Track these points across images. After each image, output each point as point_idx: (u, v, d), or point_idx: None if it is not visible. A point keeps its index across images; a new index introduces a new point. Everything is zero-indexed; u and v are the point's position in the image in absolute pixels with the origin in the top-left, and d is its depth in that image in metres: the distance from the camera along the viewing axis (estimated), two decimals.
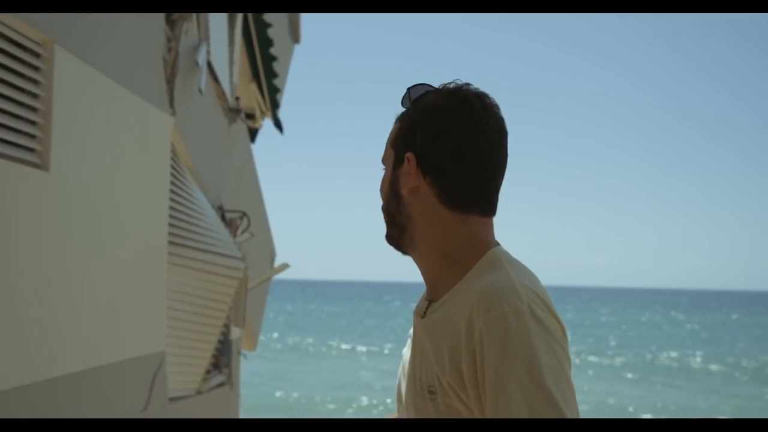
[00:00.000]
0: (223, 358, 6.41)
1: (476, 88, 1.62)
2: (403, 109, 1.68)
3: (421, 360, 1.61)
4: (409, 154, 1.60)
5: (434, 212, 1.59)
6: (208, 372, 5.99)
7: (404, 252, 1.67)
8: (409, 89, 1.66)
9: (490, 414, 1.43)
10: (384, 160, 1.70)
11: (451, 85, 1.63)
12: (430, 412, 1.55)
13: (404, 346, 1.81)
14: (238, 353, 7.33)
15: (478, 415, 1.48)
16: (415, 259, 1.66)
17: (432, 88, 1.65)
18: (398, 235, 1.65)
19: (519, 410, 1.39)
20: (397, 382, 1.78)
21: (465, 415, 1.51)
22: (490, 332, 1.44)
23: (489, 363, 1.44)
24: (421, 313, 1.64)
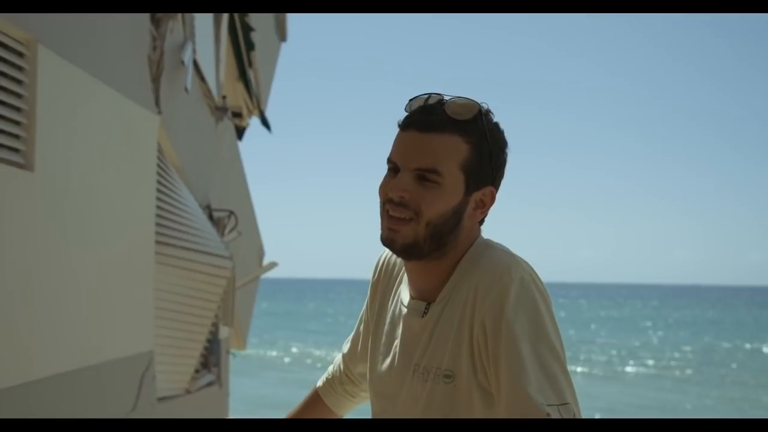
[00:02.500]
0: (211, 358, 6.41)
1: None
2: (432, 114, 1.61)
3: (428, 351, 1.63)
4: (490, 189, 1.64)
5: (473, 231, 1.67)
6: (197, 371, 5.98)
7: (418, 260, 1.64)
8: (481, 110, 1.61)
9: (504, 376, 1.50)
10: (436, 170, 1.58)
11: (487, 108, 1.63)
12: (444, 393, 1.59)
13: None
14: (227, 352, 7.32)
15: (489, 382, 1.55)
16: (427, 265, 1.64)
17: (481, 107, 1.61)
18: (433, 250, 1.61)
19: (532, 367, 1.48)
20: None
21: (482, 395, 1.57)
22: (499, 301, 1.52)
23: (500, 330, 1.51)
24: (420, 313, 1.66)
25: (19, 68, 3.13)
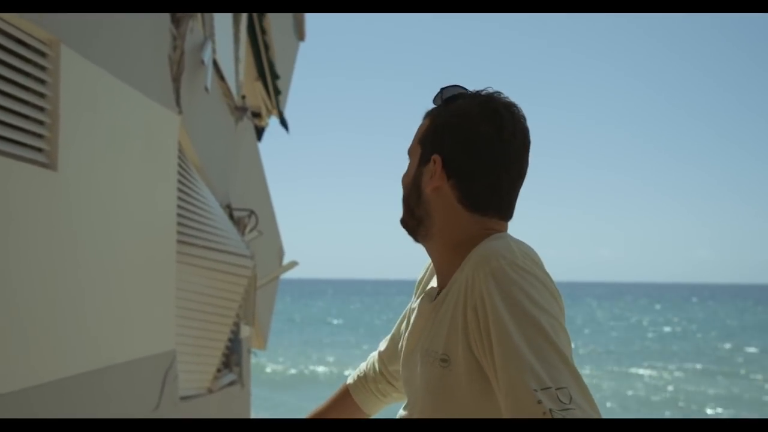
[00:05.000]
0: (233, 357, 6.41)
1: (506, 98, 1.69)
2: (433, 105, 1.74)
3: (430, 334, 1.66)
4: (435, 156, 1.68)
5: (453, 211, 1.67)
6: (218, 371, 5.99)
7: (416, 240, 1.75)
8: (442, 89, 1.73)
9: (498, 362, 1.46)
10: (410, 152, 1.76)
11: (483, 93, 1.69)
12: (440, 377, 1.60)
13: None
14: (249, 352, 7.32)
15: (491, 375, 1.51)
16: (427, 249, 1.75)
17: (465, 92, 1.72)
18: (415, 225, 1.73)
19: (522, 353, 1.42)
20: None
21: (478, 379, 1.54)
22: (488, 285, 1.50)
23: (491, 314, 1.48)
24: (432, 298, 1.71)
25: (42, 68, 3.14)
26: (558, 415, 1.35)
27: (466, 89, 1.72)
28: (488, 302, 1.48)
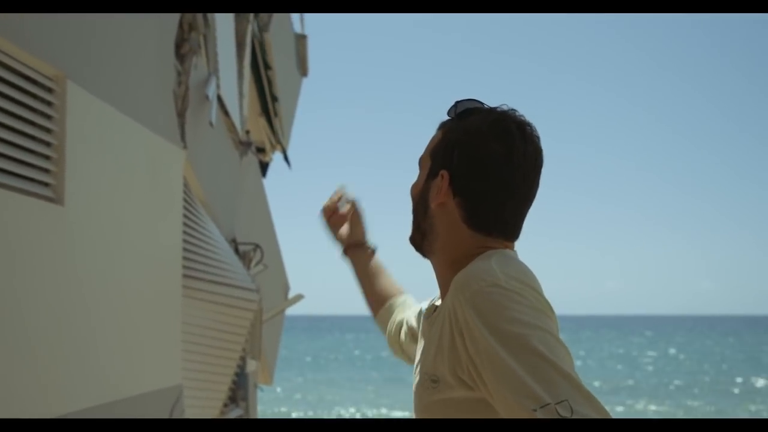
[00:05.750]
0: (239, 392, 6.38)
1: (521, 117, 1.66)
2: (447, 118, 1.74)
3: (424, 354, 1.65)
4: (444, 172, 1.66)
5: (456, 229, 1.66)
6: (225, 405, 5.96)
7: (423, 255, 1.75)
8: (457, 102, 1.72)
9: (492, 390, 1.42)
10: (420, 163, 1.76)
11: (498, 110, 1.67)
12: (433, 398, 1.58)
13: None
14: (255, 386, 7.29)
15: (489, 399, 1.47)
16: (432, 264, 1.74)
17: (479, 107, 1.70)
18: (420, 239, 1.74)
19: (515, 373, 1.37)
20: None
21: (464, 402, 1.52)
22: (470, 312, 1.45)
23: (477, 342, 1.43)
24: (429, 315, 1.71)
25: (49, 103, 3.16)
26: None
27: (482, 104, 1.71)
28: (473, 329, 1.44)
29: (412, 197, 1.75)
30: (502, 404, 1.40)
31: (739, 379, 38.77)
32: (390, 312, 2.12)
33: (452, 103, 1.73)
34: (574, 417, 1.30)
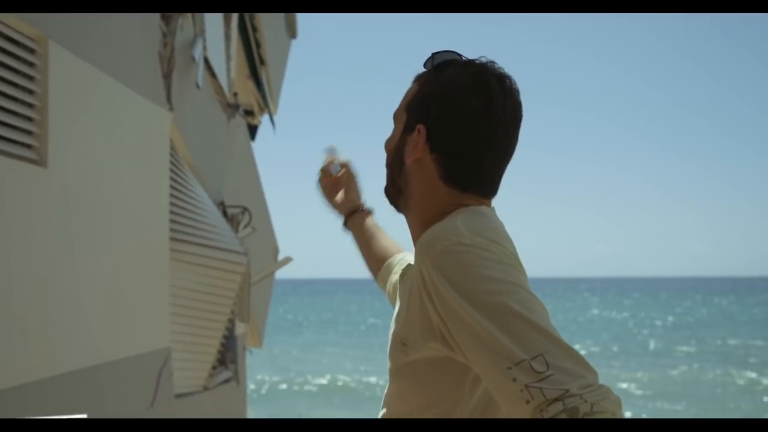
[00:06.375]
0: (228, 354, 6.40)
1: (500, 69, 1.60)
2: (424, 70, 1.67)
3: (397, 317, 1.62)
4: (420, 126, 1.60)
5: (433, 186, 1.60)
6: (214, 368, 5.98)
7: (398, 210, 1.70)
8: (434, 54, 1.65)
9: (466, 351, 1.39)
10: (395, 117, 1.69)
11: (476, 62, 1.61)
12: (402, 361, 1.55)
13: None
14: (244, 349, 7.32)
15: (461, 359, 1.45)
16: (407, 221, 1.68)
17: (457, 59, 1.63)
18: (395, 195, 1.68)
19: (487, 332, 1.33)
20: None
21: (433, 363, 1.50)
22: (435, 274, 1.41)
23: (446, 303, 1.40)
24: (403, 276, 1.68)
25: (31, 64, 3.13)
26: (536, 388, 1.27)
27: (460, 55, 1.64)
28: (441, 291, 1.40)
29: (387, 152, 1.69)
30: (477, 365, 1.38)
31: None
32: (388, 271, 2.06)
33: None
34: (550, 371, 1.27)
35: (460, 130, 1.56)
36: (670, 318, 55.66)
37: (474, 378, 1.49)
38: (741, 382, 25.29)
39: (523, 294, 1.37)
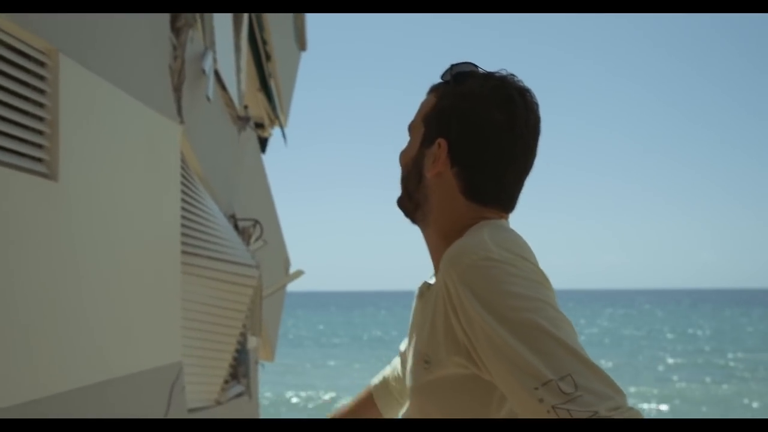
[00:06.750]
0: (240, 368, 6.36)
1: (521, 83, 1.58)
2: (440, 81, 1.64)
3: (418, 334, 1.57)
4: (441, 140, 1.57)
5: (453, 200, 1.58)
6: (226, 382, 5.94)
7: (413, 222, 1.66)
8: (452, 65, 1.62)
9: (493, 369, 1.36)
10: (411, 129, 1.66)
11: (497, 75, 1.58)
12: (425, 379, 1.51)
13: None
14: (256, 363, 7.28)
15: (486, 377, 1.41)
16: (423, 234, 1.65)
17: (476, 71, 1.61)
18: (412, 209, 1.65)
19: (514, 350, 1.30)
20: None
21: (456, 381, 1.46)
22: (463, 289, 1.38)
23: (471, 318, 1.37)
24: (422, 294, 1.63)
25: (41, 77, 3.11)
26: (563, 409, 1.23)
27: (478, 67, 1.62)
28: (467, 307, 1.37)
29: (403, 165, 1.65)
30: (503, 383, 1.35)
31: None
32: (385, 391, 1.96)
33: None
34: (578, 392, 1.24)
35: (482, 144, 1.54)
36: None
37: (500, 397, 1.44)
38: None
39: (551, 312, 1.34)
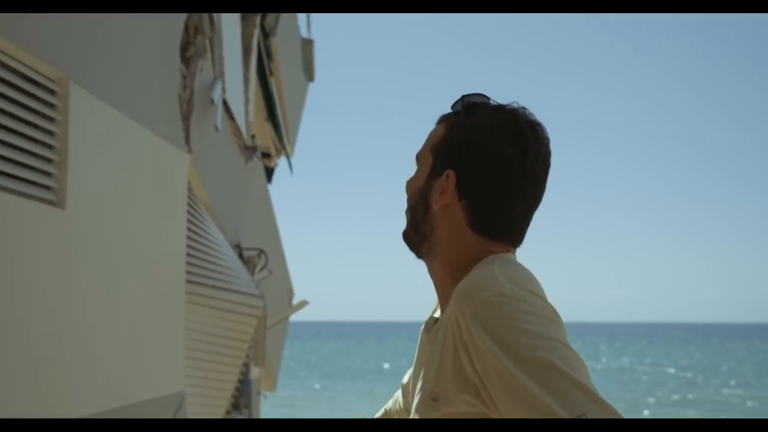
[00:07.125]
0: (243, 399, 6.33)
1: (532, 117, 1.56)
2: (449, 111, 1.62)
3: (426, 371, 1.54)
4: (449, 172, 1.54)
5: (460, 233, 1.54)
6: (228, 412, 5.91)
7: (418, 256, 1.62)
8: (464, 96, 1.60)
9: (504, 409, 1.33)
10: (419, 158, 1.63)
11: (508, 108, 1.56)
12: (430, 416, 1.48)
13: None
14: (258, 393, 7.24)
15: (495, 415, 1.38)
16: (428, 268, 1.61)
17: (487, 102, 1.59)
18: (418, 241, 1.60)
19: (527, 389, 1.28)
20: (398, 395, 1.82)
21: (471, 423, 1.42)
22: (475, 326, 1.36)
23: (482, 354, 1.35)
24: (429, 329, 1.60)
25: (51, 105, 3.12)
26: None
27: (490, 99, 1.59)
28: (479, 343, 1.35)
29: (410, 195, 1.62)
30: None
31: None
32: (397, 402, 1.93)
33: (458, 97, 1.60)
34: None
35: (492, 177, 1.52)
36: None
37: None
38: None
39: (564, 350, 1.32)
